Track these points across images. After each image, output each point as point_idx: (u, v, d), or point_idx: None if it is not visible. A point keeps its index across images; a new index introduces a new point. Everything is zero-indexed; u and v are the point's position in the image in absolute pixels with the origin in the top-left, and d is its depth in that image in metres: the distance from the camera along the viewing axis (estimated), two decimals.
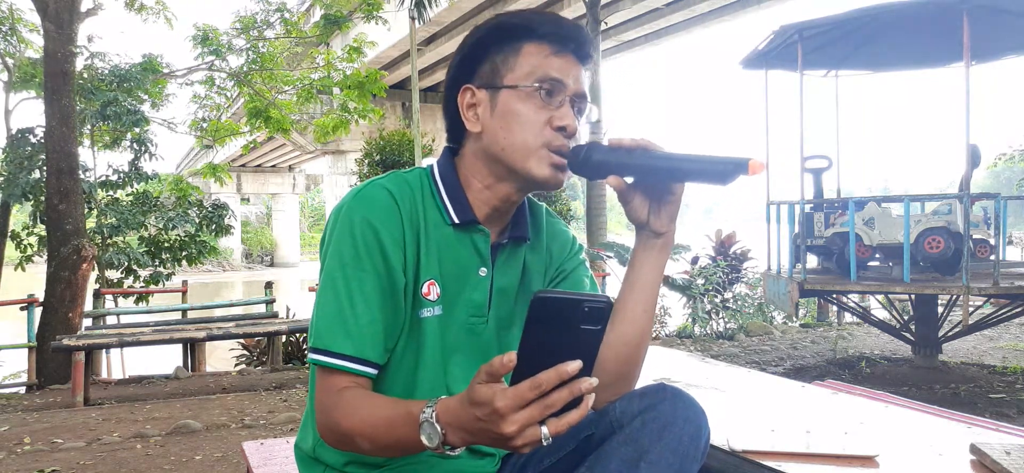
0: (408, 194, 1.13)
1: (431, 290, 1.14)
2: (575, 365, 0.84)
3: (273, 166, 44.81)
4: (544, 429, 0.84)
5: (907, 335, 6.57)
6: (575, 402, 0.85)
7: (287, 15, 12.20)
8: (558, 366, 0.83)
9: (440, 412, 0.91)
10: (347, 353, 1.05)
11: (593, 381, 0.85)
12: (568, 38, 1.12)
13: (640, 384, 1.17)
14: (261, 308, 9.24)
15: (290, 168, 46.00)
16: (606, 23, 15.08)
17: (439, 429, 0.90)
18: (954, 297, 6.10)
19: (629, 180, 1.09)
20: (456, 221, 1.14)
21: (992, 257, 5.77)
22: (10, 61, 11.49)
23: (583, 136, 1.16)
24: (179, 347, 8.36)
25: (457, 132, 1.18)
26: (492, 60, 1.13)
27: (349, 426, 1.02)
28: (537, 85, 1.10)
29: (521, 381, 0.84)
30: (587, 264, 1.33)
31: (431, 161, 1.22)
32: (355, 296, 1.07)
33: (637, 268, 1.15)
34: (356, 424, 1.01)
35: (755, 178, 0.98)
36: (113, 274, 10.41)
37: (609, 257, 10.17)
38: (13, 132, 10.51)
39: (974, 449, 1.54)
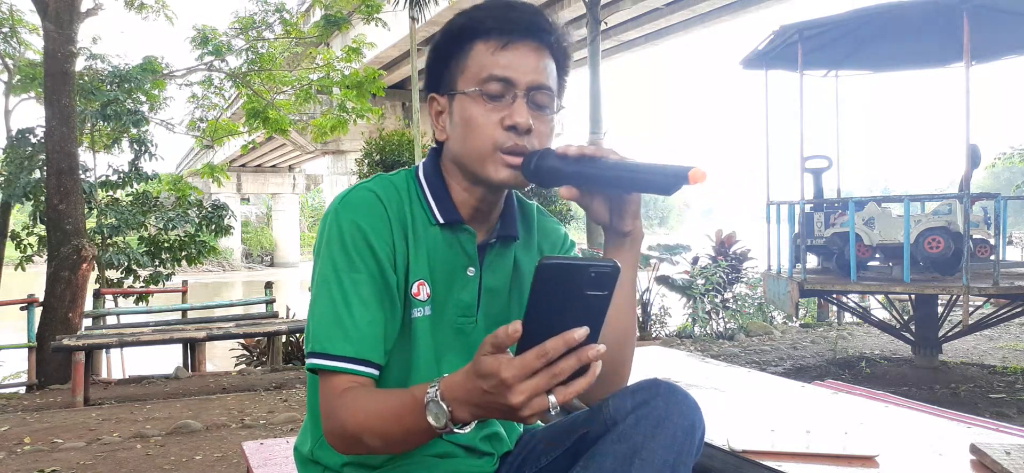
0: (394, 195, 1.13)
1: (421, 290, 1.13)
2: (582, 332, 0.82)
3: (273, 166, 44.81)
4: (552, 398, 0.83)
5: (907, 335, 6.57)
6: (582, 370, 0.84)
7: (286, 16, 12.20)
8: (564, 333, 0.82)
9: (444, 389, 0.89)
10: (347, 354, 1.04)
11: (600, 348, 0.84)
12: (514, 28, 1.08)
13: (635, 381, 1.17)
14: (261, 308, 9.24)
15: (290, 168, 45.99)
16: (606, 23, 15.06)
17: (445, 407, 0.89)
18: (954, 297, 6.10)
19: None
20: (441, 221, 1.14)
21: (992, 257, 5.77)
22: (10, 62, 11.48)
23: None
24: (179, 347, 8.36)
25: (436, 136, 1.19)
26: (448, 66, 1.12)
27: (355, 424, 1.00)
28: (482, 87, 1.08)
29: (527, 350, 0.82)
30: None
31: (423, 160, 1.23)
32: (351, 298, 1.06)
33: None
34: (362, 421, 1.00)
35: (700, 187, 0.96)
36: (113, 274, 10.41)
37: None
38: (14, 133, 10.52)
39: (974, 449, 1.54)
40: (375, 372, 1.07)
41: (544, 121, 1.11)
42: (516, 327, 0.82)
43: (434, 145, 1.22)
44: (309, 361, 1.07)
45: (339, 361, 1.05)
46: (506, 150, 1.08)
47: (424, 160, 1.20)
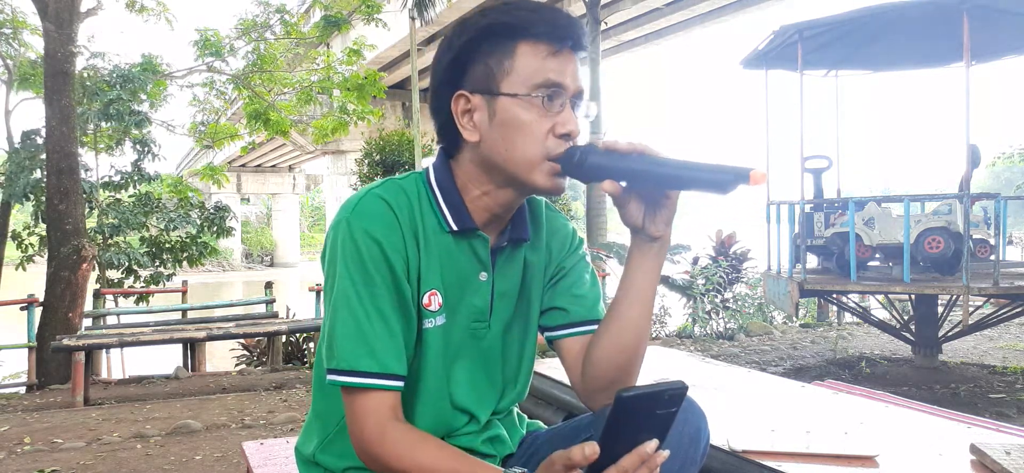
0: (405, 202, 1.11)
1: (432, 300, 1.12)
2: (653, 444, 0.90)
3: (273, 166, 44.81)
4: None
5: (907, 335, 6.57)
6: None
7: (286, 17, 12.21)
8: (639, 449, 0.89)
9: None
10: (373, 371, 1.05)
11: (665, 453, 0.91)
12: (565, 35, 1.07)
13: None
14: (261, 308, 9.24)
15: (290, 168, 46.00)
16: (606, 23, 15.08)
17: None
18: (954, 297, 6.09)
19: (623, 184, 1.07)
20: (454, 228, 1.12)
21: (992, 257, 5.77)
22: (11, 62, 11.49)
23: (583, 135, 1.14)
24: (179, 347, 8.36)
25: (451, 136, 1.13)
26: (485, 63, 1.07)
27: (401, 467, 1.03)
28: (538, 93, 1.05)
29: (601, 466, 0.89)
30: (588, 259, 1.31)
31: (431, 162, 1.21)
32: (371, 313, 1.05)
33: (633, 272, 1.13)
34: (412, 468, 1.02)
35: (758, 188, 0.96)
36: (114, 274, 10.41)
37: (609, 257, 10.17)
38: (19, 133, 10.53)
39: (974, 449, 1.54)
40: (401, 385, 1.08)
41: (580, 128, 1.11)
42: (594, 449, 0.88)
43: (440, 145, 1.17)
44: (335, 378, 1.06)
45: (367, 377, 1.05)
46: (555, 158, 1.07)
47: (434, 163, 1.17)
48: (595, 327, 1.20)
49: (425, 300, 1.12)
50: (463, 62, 1.09)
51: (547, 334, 1.26)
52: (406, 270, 1.09)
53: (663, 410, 0.89)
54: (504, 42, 1.07)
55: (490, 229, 1.16)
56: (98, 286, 9.50)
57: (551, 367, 2.62)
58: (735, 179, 0.95)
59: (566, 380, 1.34)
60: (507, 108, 1.06)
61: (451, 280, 1.14)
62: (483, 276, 1.16)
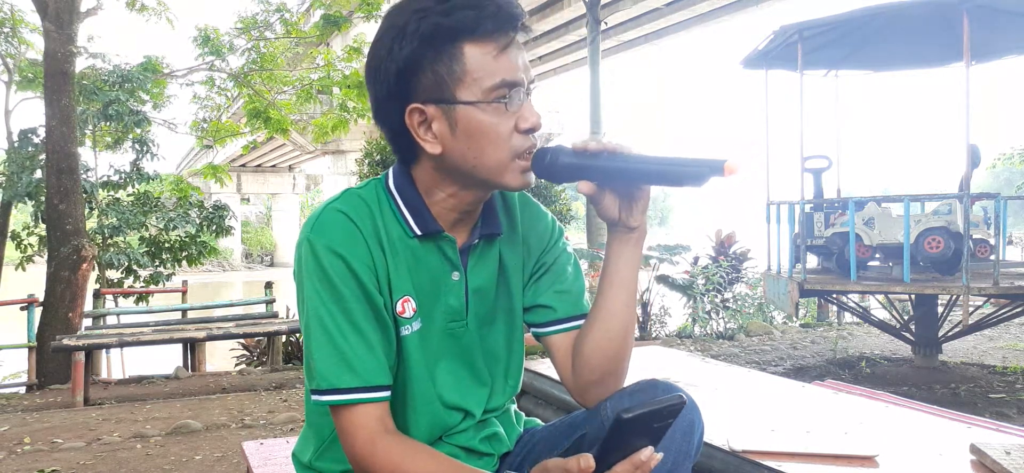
0: (366, 212, 1.09)
1: (406, 307, 1.11)
2: (648, 452, 0.92)
3: (273, 166, 44.83)
4: None
5: (907, 335, 6.57)
6: None
7: (286, 16, 12.20)
8: (632, 457, 0.92)
9: None
10: (355, 386, 1.04)
11: (659, 455, 0.94)
12: (509, 26, 1.02)
13: (633, 381, 1.17)
14: (261, 308, 9.24)
15: (290, 168, 46.01)
16: (606, 23, 15.05)
17: None
18: (954, 297, 6.09)
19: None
20: (419, 233, 1.11)
21: (992, 257, 5.77)
22: (11, 62, 11.48)
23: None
24: (179, 347, 8.36)
25: (406, 146, 1.09)
26: (433, 71, 1.02)
27: None
28: (496, 95, 1.02)
29: None
30: (569, 248, 1.28)
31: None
32: (345, 329, 1.05)
33: (614, 263, 1.13)
34: None
35: (734, 179, 0.94)
36: (113, 274, 10.40)
37: None
38: (17, 132, 10.52)
39: (974, 449, 1.54)
40: (386, 395, 1.07)
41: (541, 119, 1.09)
42: (589, 461, 0.90)
43: (396, 155, 1.14)
44: (319, 399, 1.06)
45: (350, 394, 1.04)
46: (525, 154, 1.06)
47: (393, 169, 1.15)
48: (582, 321, 1.19)
49: (399, 308, 1.11)
50: (408, 72, 1.03)
51: (534, 331, 1.25)
52: (375, 280, 1.08)
53: (660, 423, 0.91)
54: (448, 46, 1.01)
55: (459, 228, 1.14)
56: (98, 286, 9.49)
57: (549, 367, 2.62)
58: (709, 171, 0.93)
59: None
60: (469, 116, 1.03)
61: (423, 284, 1.13)
62: (455, 276, 1.15)
